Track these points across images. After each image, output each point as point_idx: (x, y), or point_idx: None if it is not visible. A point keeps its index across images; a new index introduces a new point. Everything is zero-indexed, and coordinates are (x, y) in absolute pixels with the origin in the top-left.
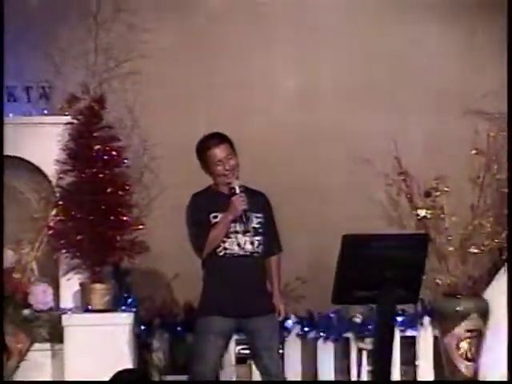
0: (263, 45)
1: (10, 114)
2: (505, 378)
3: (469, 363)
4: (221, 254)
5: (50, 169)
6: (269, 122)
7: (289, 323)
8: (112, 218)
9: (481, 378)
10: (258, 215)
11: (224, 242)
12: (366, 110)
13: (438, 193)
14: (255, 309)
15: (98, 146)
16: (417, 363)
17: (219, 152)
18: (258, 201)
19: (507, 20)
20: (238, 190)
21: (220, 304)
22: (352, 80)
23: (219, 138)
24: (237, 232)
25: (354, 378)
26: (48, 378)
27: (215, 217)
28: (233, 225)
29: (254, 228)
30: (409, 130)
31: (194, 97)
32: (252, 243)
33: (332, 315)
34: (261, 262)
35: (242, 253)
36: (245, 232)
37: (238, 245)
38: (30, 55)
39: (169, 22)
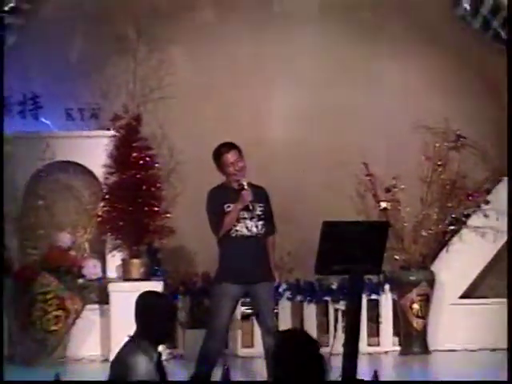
0: (263, 84)
1: (68, 129)
2: (448, 333)
3: (419, 320)
4: (233, 235)
5: (99, 171)
6: (265, 135)
7: (281, 289)
8: (146, 208)
9: (428, 331)
10: (261, 205)
11: (235, 225)
12: (342, 126)
13: (396, 189)
14: (258, 277)
15: (135, 154)
16: (380, 320)
17: (230, 156)
18: (260, 193)
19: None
20: (246, 186)
21: (232, 273)
22: (330, 103)
23: (230, 146)
24: (245, 218)
25: (331, 332)
26: (97, 332)
27: (228, 206)
28: (242, 213)
29: (257, 215)
30: (374, 142)
31: (209, 116)
32: (257, 226)
33: (315, 283)
34: (263, 241)
35: (249, 234)
36: (251, 218)
37: (246, 228)
38: (83, 83)
39: (189, 58)
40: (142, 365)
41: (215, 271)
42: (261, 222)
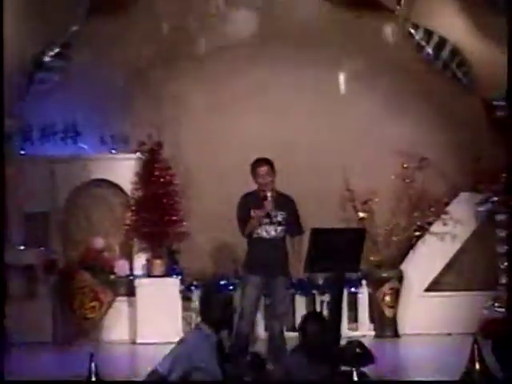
0: (258, 112)
1: (102, 153)
2: (415, 320)
3: (390, 309)
4: (255, 236)
5: (127, 187)
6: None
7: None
8: (166, 217)
9: (398, 318)
10: (282, 212)
11: (257, 229)
12: (326, 149)
13: (371, 202)
14: (275, 272)
15: (157, 173)
16: (358, 309)
17: (260, 170)
18: (284, 202)
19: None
20: (269, 198)
21: (253, 267)
22: (314, 128)
23: (262, 161)
24: (265, 224)
25: None
26: (126, 319)
27: (253, 211)
28: (263, 219)
29: (278, 221)
30: (353, 162)
31: (217, 140)
32: (275, 230)
33: (304, 279)
34: (281, 242)
35: (267, 237)
36: (271, 223)
37: (266, 231)
38: (115, 114)
39: (200, 91)
40: (202, 346)
41: (243, 264)
42: (280, 227)
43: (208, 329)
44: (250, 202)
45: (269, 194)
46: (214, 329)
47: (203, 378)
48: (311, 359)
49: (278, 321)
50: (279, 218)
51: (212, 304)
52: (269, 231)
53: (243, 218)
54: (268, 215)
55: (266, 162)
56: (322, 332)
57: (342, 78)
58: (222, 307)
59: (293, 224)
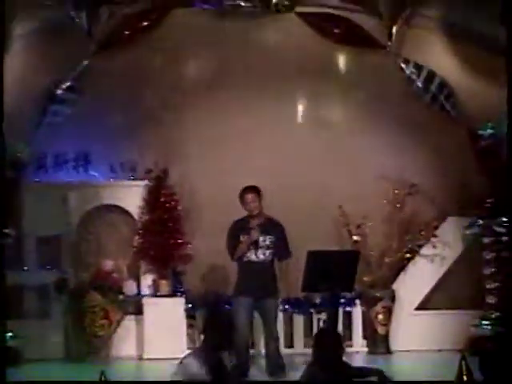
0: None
1: (111, 180)
2: (406, 338)
3: (383, 327)
4: (245, 260)
5: (135, 212)
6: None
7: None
8: (171, 241)
9: (390, 336)
10: (270, 237)
11: (246, 253)
12: (323, 178)
13: (365, 226)
14: (264, 294)
15: (163, 199)
16: (352, 327)
17: (247, 198)
18: (272, 227)
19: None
20: (255, 227)
21: (243, 289)
22: (313, 161)
23: (248, 189)
24: (254, 248)
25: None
26: (133, 337)
27: (243, 237)
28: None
29: (266, 245)
30: (348, 189)
31: (219, 168)
32: (264, 254)
33: (301, 298)
34: (269, 265)
35: (256, 260)
36: (260, 248)
37: (255, 255)
38: (123, 144)
39: (202, 127)
40: (192, 366)
41: (233, 287)
42: (268, 251)
43: (202, 349)
44: (239, 229)
45: (255, 222)
46: (209, 351)
47: None
48: (327, 373)
49: (273, 340)
50: (267, 242)
51: (213, 325)
52: (257, 255)
53: (232, 244)
54: (255, 242)
55: (252, 189)
56: (338, 346)
57: (337, 110)
58: (223, 328)
59: (281, 248)
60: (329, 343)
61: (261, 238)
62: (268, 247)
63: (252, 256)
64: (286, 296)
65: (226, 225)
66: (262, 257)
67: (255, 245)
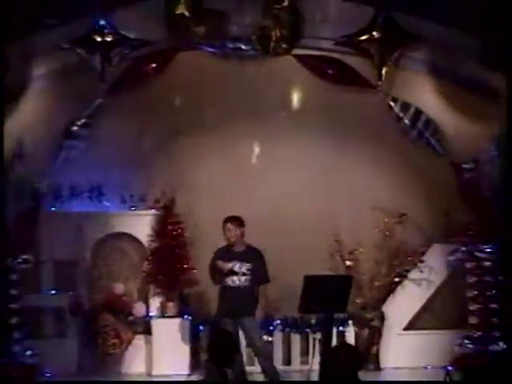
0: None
1: (123, 209)
2: (395, 356)
3: (373, 346)
4: (225, 284)
5: (144, 239)
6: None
7: (274, 323)
8: (178, 265)
9: (380, 353)
10: (248, 264)
11: (224, 278)
12: (318, 207)
13: (357, 252)
14: (242, 314)
15: (170, 227)
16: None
17: (226, 226)
18: (252, 255)
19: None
20: (234, 255)
21: (223, 311)
22: (307, 191)
23: (229, 219)
24: (232, 274)
25: (310, 354)
26: (143, 355)
27: (218, 263)
28: (229, 270)
29: (242, 272)
30: (341, 218)
31: (221, 199)
32: (240, 280)
33: (298, 319)
34: (246, 290)
35: (233, 285)
36: (236, 274)
37: (232, 281)
38: (134, 176)
39: (207, 160)
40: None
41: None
42: (244, 277)
43: (209, 365)
44: (219, 257)
45: (235, 250)
46: (218, 365)
47: None
48: None
49: (262, 356)
50: (243, 269)
51: (216, 344)
52: (234, 281)
53: (212, 270)
54: (231, 269)
55: (234, 219)
56: (354, 361)
57: (332, 145)
58: (226, 346)
59: (259, 274)
60: (346, 358)
61: (237, 265)
62: (244, 274)
63: (229, 281)
64: (265, 316)
65: None
66: (237, 282)
67: (232, 272)
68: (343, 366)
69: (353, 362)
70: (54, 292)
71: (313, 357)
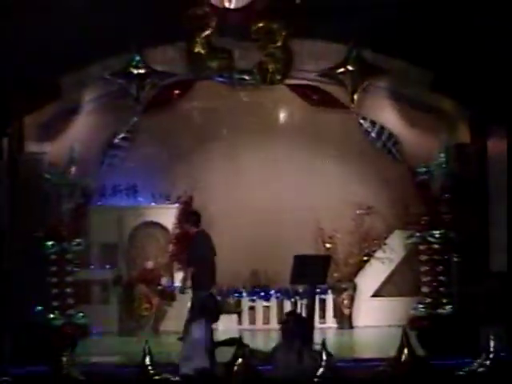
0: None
1: (153, 203)
2: (364, 317)
3: (347, 309)
4: None
5: (170, 227)
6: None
7: (271, 292)
8: None
9: (353, 315)
10: None
11: None
12: (304, 203)
13: (335, 237)
14: None
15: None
16: (326, 310)
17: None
18: None
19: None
20: None
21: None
22: (296, 190)
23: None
24: None
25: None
26: (170, 316)
27: None
28: None
29: None
30: (323, 211)
31: (231, 196)
32: None
33: (289, 289)
34: None
35: None
36: None
37: None
38: (161, 179)
39: (219, 165)
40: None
41: None
42: None
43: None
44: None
45: None
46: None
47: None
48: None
49: None
50: None
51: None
52: None
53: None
54: None
55: (193, 213)
56: (303, 324)
57: (314, 153)
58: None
59: None
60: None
61: None
62: None
63: None
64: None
65: (233, 237)
66: None
67: None
68: (292, 330)
69: (299, 326)
70: (100, 268)
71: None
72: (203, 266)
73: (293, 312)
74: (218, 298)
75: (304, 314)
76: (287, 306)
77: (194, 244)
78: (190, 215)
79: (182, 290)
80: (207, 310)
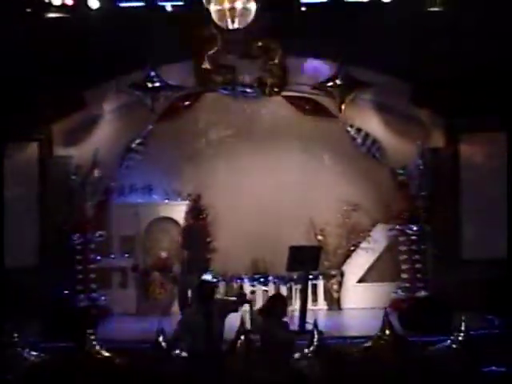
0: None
1: (166, 200)
2: (350, 299)
3: (336, 293)
4: None
5: (180, 221)
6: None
7: (269, 278)
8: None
9: (341, 298)
10: None
11: None
12: (298, 203)
13: (325, 230)
14: None
15: (197, 213)
16: (317, 293)
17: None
18: None
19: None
20: None
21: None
22: (289, 190)
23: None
24: None
25: (293, 299)
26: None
27: None
28: None
29: None
30: (315, 208)
31: (235, 195)
32: None
33: (285, 275)
34: None
35: None
36: None
37: None
38: (173, 179)
39: (225, 167)
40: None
41: None
42: None
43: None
44: None
45: None
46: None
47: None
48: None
49: None
50: None
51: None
52: None
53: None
54: None
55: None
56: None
57: (307, 156)
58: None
59: None
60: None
61: None
62: None
63: None
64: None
65: (236, 230)
66: None
67: None
68: (275, 311)
69: (282, 307)
70: (120, 256)
71: (295, 301)
72: (195, 252)
73: (275, 295)
74: (223, 283)
75: (298, 298)
76: (283, 291)
77: (189, 231)
78: (191, 208)
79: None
80: (203, 294)
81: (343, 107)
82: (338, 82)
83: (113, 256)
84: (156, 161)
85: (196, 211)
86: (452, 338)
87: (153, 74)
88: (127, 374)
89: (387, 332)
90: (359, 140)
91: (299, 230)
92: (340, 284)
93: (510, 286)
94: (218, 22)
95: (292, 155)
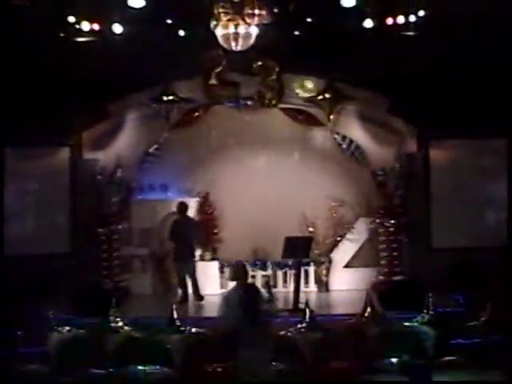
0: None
1: (179, 197)
2: (338, 282)
3: (325, 277)
4: None
5: (191, 215)
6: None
7: (267, 264)
8: (210, 231)
9: (329, 282)
10: None
11: None
12: (291, 199)
13: (315, 223)
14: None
15: (206, 208)
16: (309, 278)
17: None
18: None
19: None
20: None
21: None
22: (284, 186)
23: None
24: None
25: (288, 282)
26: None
27: None
28: None
29: None
30: (306, 203)
31: (239, 192)
32: None
33: (281, 261)
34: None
35: None
36: None
37: None
38: (185, 180)
39: (229, 168)
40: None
41: None
42: None
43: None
44: None
45: None
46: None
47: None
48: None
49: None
50: None
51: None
52: None
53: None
54: None
55: (181, 204)
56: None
57: (299, 160)
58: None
59: None
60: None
61: None
62: None
63: None
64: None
65: (239, 222)
66: None
67: None
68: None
69: (255, 294)
70: (138, 246)
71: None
72: (181, 243)
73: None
74: (227, 268)
75: (292, 281)
76: (279, 276)
77: (176, 225)
78: (178, 204)
79: None
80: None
81: (331, 117)
82: (326, 95)
83: (133, 245)
84: (171, 163)
85: (204, 206)
86: (422, 314)
87: (168, 88)
88: (146, 346)
89: (368, 310)
90: (344, 145)
91: (293, 223)
92: (328, 269)
93: (472, 270)
94: (224, 45)
95: (287, 158)
